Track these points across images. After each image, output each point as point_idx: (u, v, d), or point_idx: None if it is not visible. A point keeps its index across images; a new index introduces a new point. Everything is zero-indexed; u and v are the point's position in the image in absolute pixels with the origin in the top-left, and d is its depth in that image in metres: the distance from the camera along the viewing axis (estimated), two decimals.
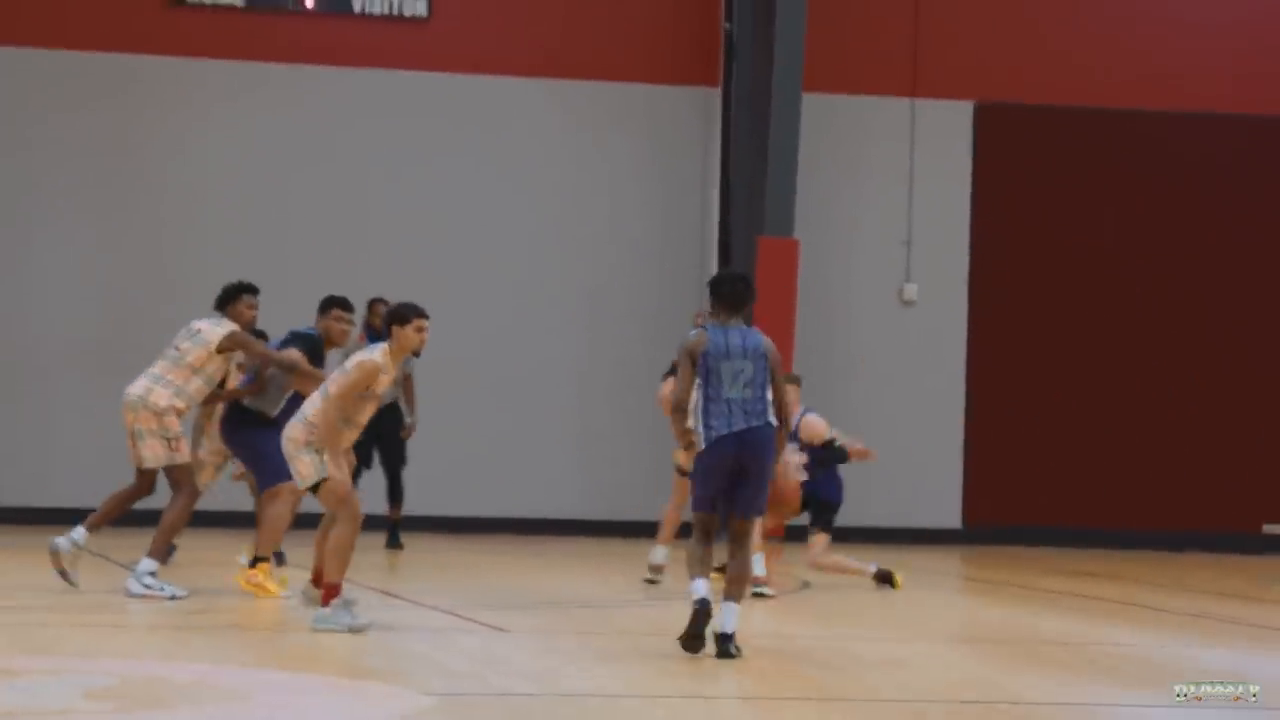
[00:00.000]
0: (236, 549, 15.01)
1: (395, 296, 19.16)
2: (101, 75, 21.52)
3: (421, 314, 11.62)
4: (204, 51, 21.68)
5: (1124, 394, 23.03)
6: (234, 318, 13.63)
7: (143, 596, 13.00)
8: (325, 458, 11.53)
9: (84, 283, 21.36)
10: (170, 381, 13.45)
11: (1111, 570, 19.39)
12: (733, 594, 10.77)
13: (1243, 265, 23.27)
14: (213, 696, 9.13)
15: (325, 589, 11.58)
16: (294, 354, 13.38)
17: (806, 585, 15.77)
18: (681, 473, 14.78)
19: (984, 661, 11.56)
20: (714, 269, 22.32)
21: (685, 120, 22.57)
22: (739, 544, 10.91)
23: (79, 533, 13.34)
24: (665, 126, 22.56)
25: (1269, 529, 19.18)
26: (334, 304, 13.66)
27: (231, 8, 21.74)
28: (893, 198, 22.80)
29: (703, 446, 10.87)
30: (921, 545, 21.48)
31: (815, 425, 15.37)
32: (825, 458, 15.27)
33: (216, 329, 13.53)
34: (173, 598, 13.01)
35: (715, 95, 22.47)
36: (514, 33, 22.31)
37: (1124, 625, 14.14)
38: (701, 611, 10.65)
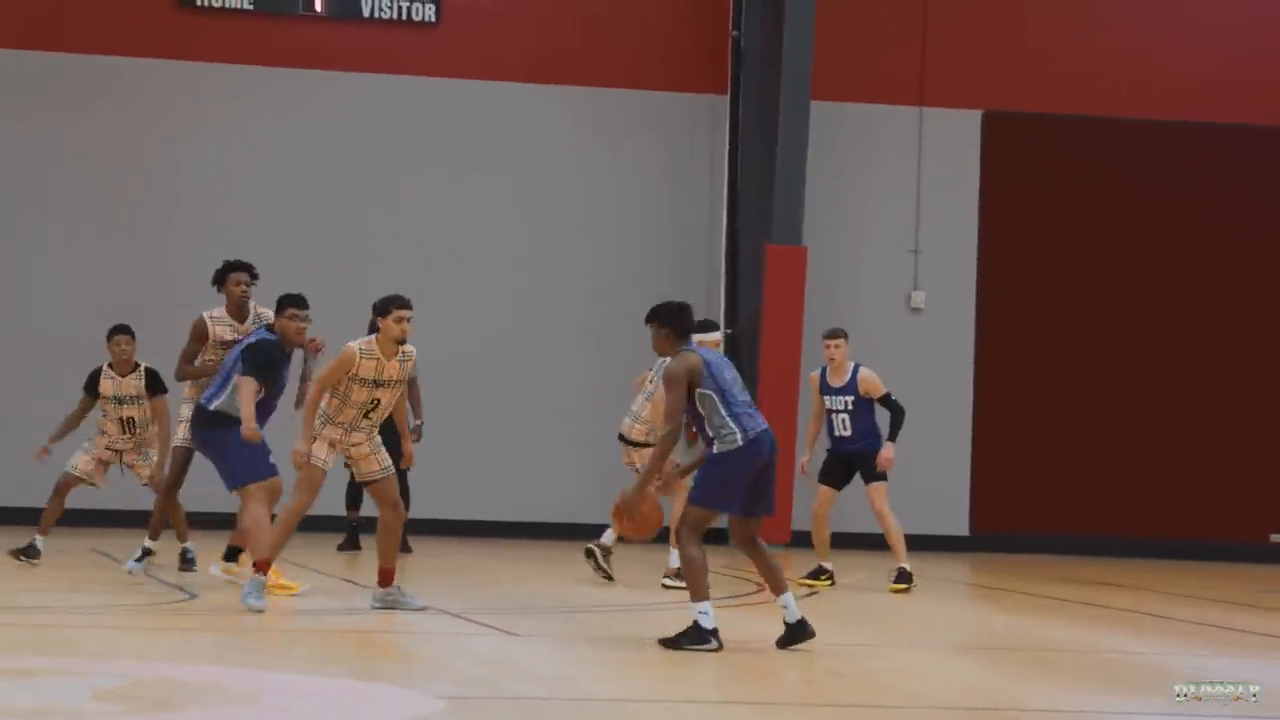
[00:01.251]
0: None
1: None
2: (110, 78, 21.56)
3: (402, 304, 12.69)
4: (212, 55, 21.73)
5: (1131, 402, 23.04)
6: (227, 297, 14.33)
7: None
8: (321, 449, 12.62)
9: (90, 285, 21.33)
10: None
11: (1119, 578, 19.39)
12: (784, 587, 11.35)
13: (1250, 274, 23.29)
14: (222, 698, 9.15)
15: (256, 564, 12.67)
16: (184, 368, 14.26)
17: (813, 592, 15.80)
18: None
19: (990, 668, 11.58)
20: (722, 276, 22.36)
21: (693, 127, 22.59)
22: (756, 546, 11.41)
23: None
24: (673, 134, 22.59)
25: (1277, 538, 19.18)
26: (289, 303, 13.79)
27: (240, 11, 21.78)
28: (900, 206, 22.83)
29: (740, 444, 11.16)
30: (929, 552, 21.46)
31: (873, 379, 16.00)
32: (891, 409, 15.83)
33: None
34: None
35: (723, 103, 22.49)
36: (522, 39, 22.35)
37: (1131, 633, 14.14)
38: (718, 647, 11.10)
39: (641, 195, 22.51)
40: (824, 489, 16.16)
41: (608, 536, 15.81)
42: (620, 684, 10.17)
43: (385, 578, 12.88)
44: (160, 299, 21.11)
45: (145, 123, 21.65)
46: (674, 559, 15.28)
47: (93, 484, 15.85)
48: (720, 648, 11.07)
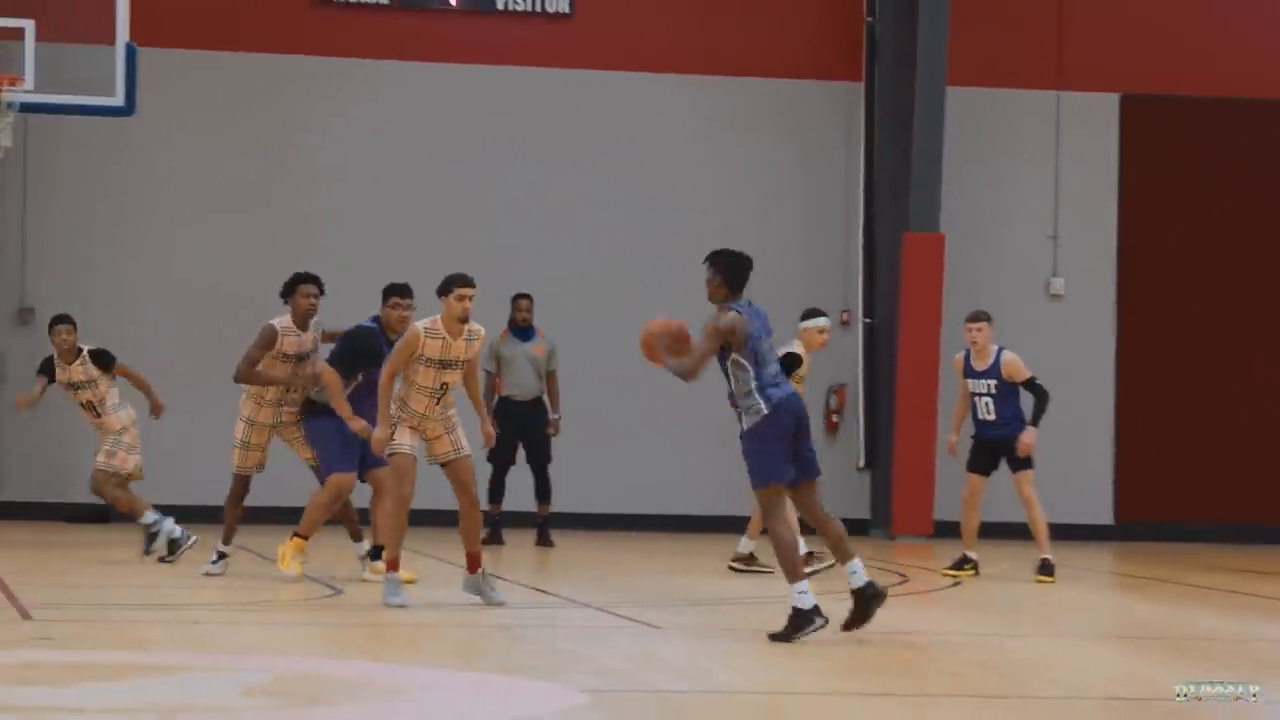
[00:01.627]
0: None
1: (538, 293, 19.47)
2: (244, 75, 21.73)
3: (464, 282, 12.58)
4: (347, 50, 21.87)
5: (1278, 387, 22.70)
6: (294, 308, 14.40)
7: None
8: (403, 435, 12.53)
9: (225, 281, 21.43)
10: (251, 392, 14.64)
11: (1269, 567, 19.13)
12: (850, 552, 11.16)
13: None
14: (370, 694, 9.20)
15: (385, 563, 12.67)
16: (246, 370, 14.31)
17: (957, 583, 15.70)
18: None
19: (1137, 658, 11.46)
20: (859, 265, 22.27)
21: (829, 116, 22.51)
22: (818, 507, 11.27)
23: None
24: (808, 122, 22.51)
25: None
26: (392, 292, 13.97)
27: (376, 6, 21.92)
28: (1039, 191, 22.65)
29: (766, 412, 11.14)
30: (1073, 541, 21.28)
31: (1017, 363, 15.91)
32: (1036, 394, 15.71)
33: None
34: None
35: (858, 90, 22.39)
36: (656, 29, 22.36)
37: None
38: (824, 623, 10.99)
39: (776, 184, 22.46)
40: (973, 477, 16.09)
41: (743, 545, 15.89)
42: (762, 676, 10.14)
43: (471, 563, 12.81)
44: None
45: (281, 119, 21.80)
46: (742, 545, 15.89)
47: (134, 476, 16.13)
48: (826, 623, 11.00)
